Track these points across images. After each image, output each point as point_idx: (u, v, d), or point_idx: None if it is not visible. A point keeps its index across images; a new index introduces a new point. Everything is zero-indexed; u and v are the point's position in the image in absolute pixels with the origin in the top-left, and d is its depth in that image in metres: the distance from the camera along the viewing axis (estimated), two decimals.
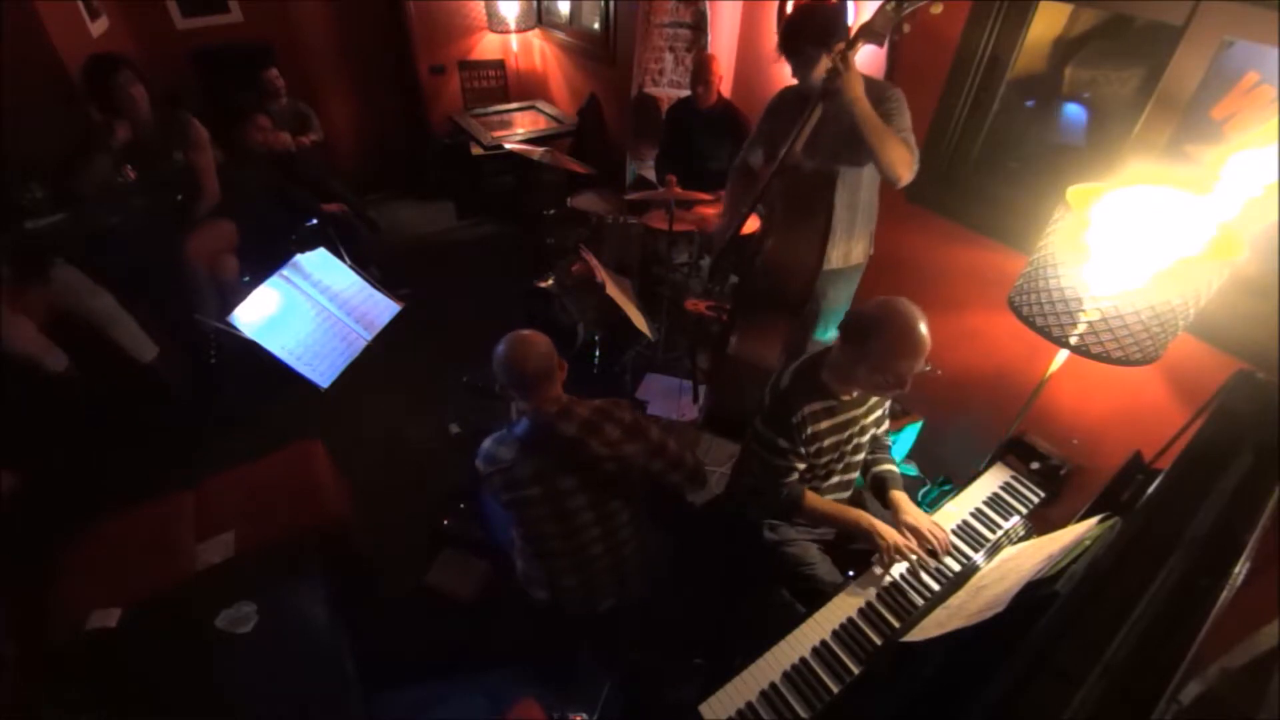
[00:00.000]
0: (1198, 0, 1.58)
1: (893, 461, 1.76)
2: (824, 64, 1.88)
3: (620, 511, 1.63)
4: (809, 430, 1.52)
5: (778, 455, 1.54)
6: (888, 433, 1.81)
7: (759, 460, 1.59)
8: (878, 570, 1.53)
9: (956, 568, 1.55)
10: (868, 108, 1.80)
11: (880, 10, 1.70)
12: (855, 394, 1.56)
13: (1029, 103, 2.27)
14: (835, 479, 1.67)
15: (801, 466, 1.57)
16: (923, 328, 1.38)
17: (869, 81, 1.97)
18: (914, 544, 1.53)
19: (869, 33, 1.73)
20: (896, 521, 1.60)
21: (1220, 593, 0.86)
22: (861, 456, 1.71)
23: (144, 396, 2.81)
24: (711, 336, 3.02)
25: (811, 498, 1.61)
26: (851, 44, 1.77)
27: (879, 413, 1.69)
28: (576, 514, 1.57)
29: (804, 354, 2.47)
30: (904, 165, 1.87)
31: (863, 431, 1.65)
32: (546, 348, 1.54)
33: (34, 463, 2.34)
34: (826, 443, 1.57)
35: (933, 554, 1.55)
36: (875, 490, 1.74)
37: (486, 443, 1.60)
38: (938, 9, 1.71)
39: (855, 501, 1.80)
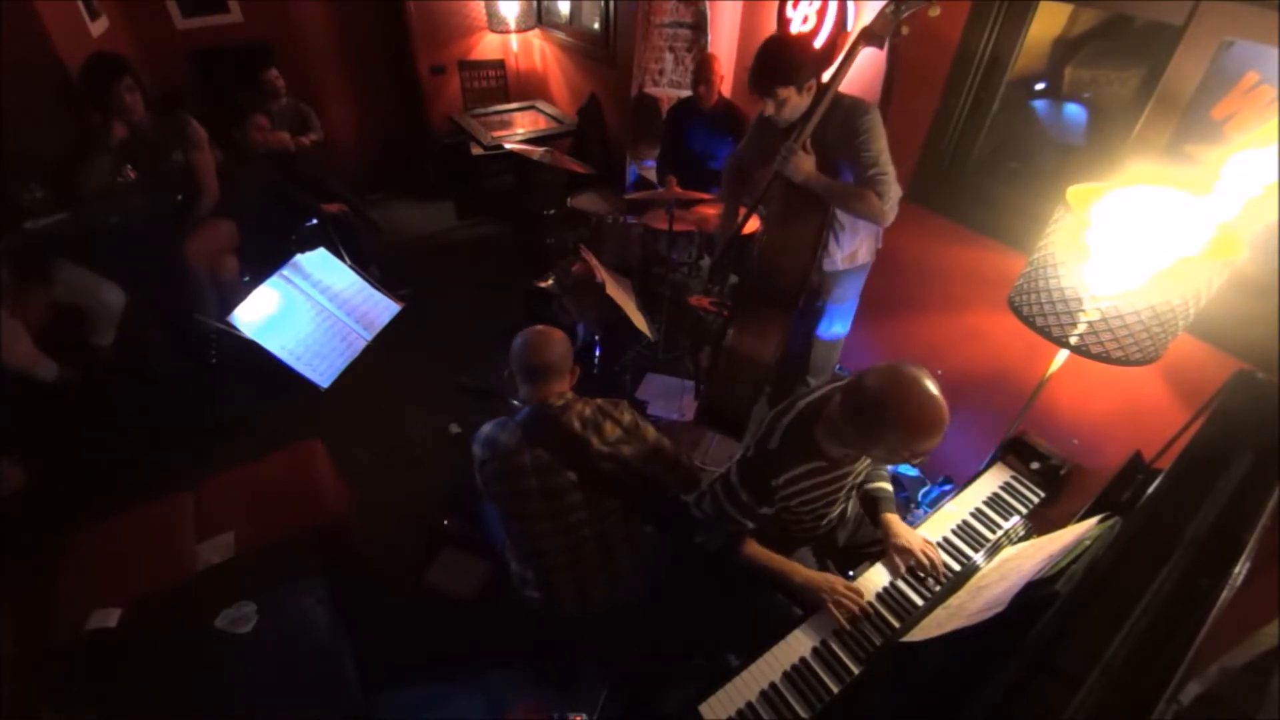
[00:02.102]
0: (1198, 0, 1.58)
1: (885, 478, 1.70)
2: (795, 100, 1.90)
3: (615, 512, 1.63)
4: (786, 491, 1.44)
5: (736, 507, 1.47)
6: None
7: (713, 499, 1.52)
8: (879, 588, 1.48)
9: (957, 567, 1.55)
10: (824, 182, 1.90)
11: (880, 13, 1.71)
12: (850, 454, 1.46)
13: (1032, 103, 2.27)
14: (829, 518, 1.62)
15: (751, 526, 1.50)
16: (939, 401, 1.21)
17: (846, 103, 1.95)
18: (858, 596, 1.43)
19: (869, 36, 1.74)
20: (888, 545, 1.54)
21: (1220, 593, 0.86)
22: (851, 494, 1.66)
23: (145, 397, 2.81)
24: (712, 335, 3.02)
25: (750, 548, 1.53)
26: (851, 49, 1.78)
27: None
28: (571, 511, 1.57)
29: (807, 351, 2.49)
30: (876, 215, 1.94)
31: (854, 478, 1.58)
32: (562, 346, 1.57)
33: (37, 463, 2.35)
34: (811, 495, 1.49)
35: (923, 575, 1.51)
36: (866, 509, 1.70)
37: (486, 427, 1.60)
38: (935, 11, 1.71)
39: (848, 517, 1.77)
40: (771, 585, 1.54)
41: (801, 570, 1.49)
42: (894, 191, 1.94)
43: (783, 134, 1.98)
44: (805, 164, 1.89)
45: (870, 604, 1.46)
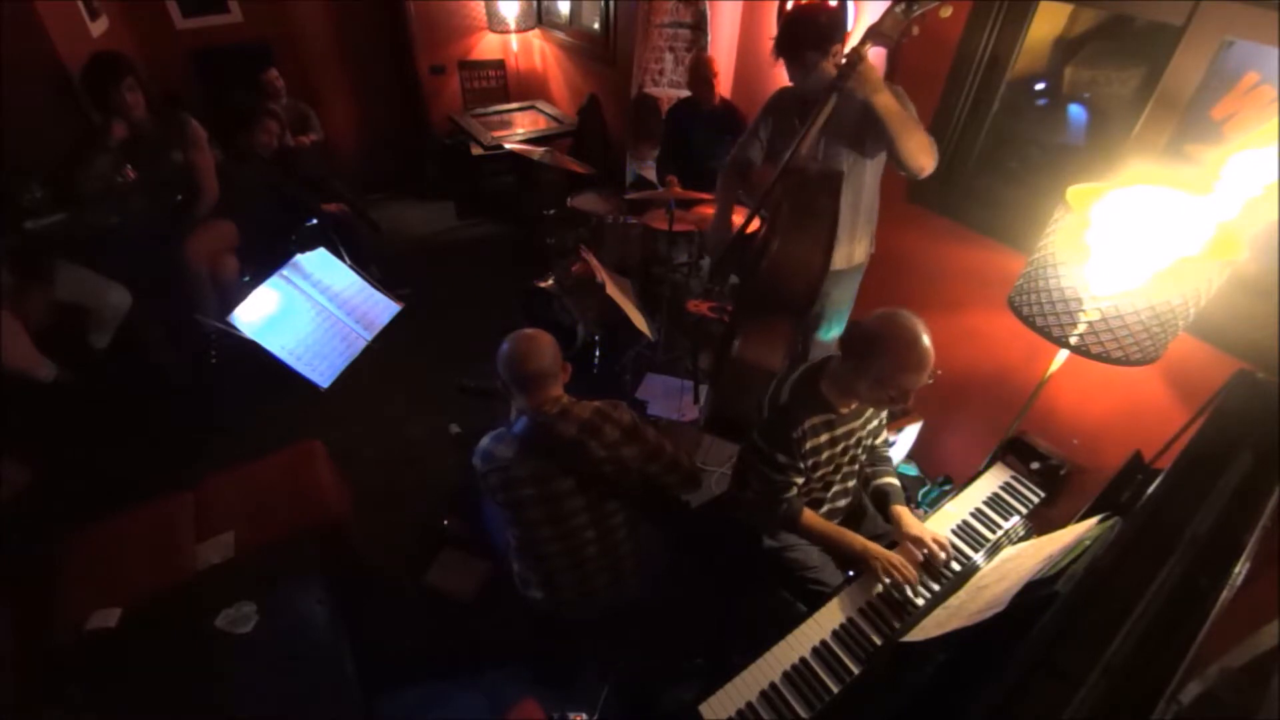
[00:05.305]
0: (1198, 0, 1.58)
1: (893, 473, 1.74)
2: (824, 67, 1.87)
3: (616, 513, 1.63)
4: (809, 444, 1.50)
5: (776, 470, 1.52)
6: (885, 442, 1.80)
7: (757, 475, 1.57)
8: (878, 586, 1.52)
9: (956, 567, 1.55)
10: (890, 99, 1.76)
11: (889, 12, 1.69)
12: (854, 406, 1.55)
13: (1032, 103, 2.27)
14: (836, 488, 1.66)
15: (800, 481, 1.55)
16: (926, 341, 1.34)
17: None
18: (911, 572, 1.49)
19: (878, 34, 1.72)
20: (899, 536, 1.58)
21: (1220, 593, 0.86)
22: (857, 467, 1.69)
23: (145, 397, 2.81)
24: (712, 337, 3.02)
25: (808, 516, 1.58)
26: (858, 47, 1.77)
27: (875, 424, 1.68)
28: (573, 515, 1.57)
29: (806, 355, 2.49)
30: (925, 153, 1.82)
31: (858, 444, 1.63)
32: (552, 349, 1.55)
33: (37, 463, 2.35)
34: (824, 455, 1.55)
35: (933, 568, 1.53)
36: (876, 504, 1.73)
37: (484, 440, 1.59)
38: (947, 12, 1.69)
39: (854, 509, 1.79)
40: (828, 550, 1.66)
41: (861, 540, 1.56)
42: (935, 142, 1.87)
43: (805, 106, 1.93)
44: (874, 72, 1.74)
45: (869, 603, 1.48)
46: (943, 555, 1.52)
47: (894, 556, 1.51)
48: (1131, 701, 0.77)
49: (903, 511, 1.62)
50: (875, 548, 1.53)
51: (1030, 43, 2.07)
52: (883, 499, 1.69)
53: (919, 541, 1.54)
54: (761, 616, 1.85)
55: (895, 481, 1.72)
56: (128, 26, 3.72)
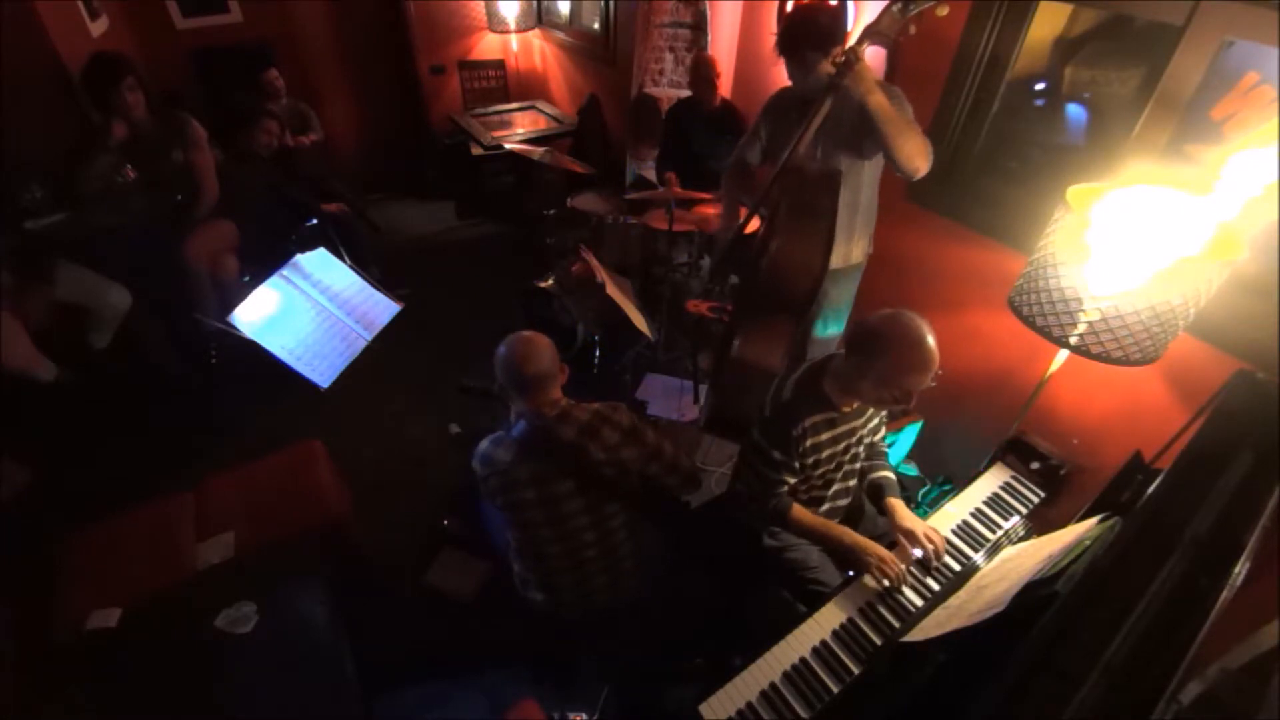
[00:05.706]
0: (1198, 0, 1.58)
1: (889, 468, 1.75)
2: (824, 67, 1.87)
3: (616, 514, 1.63)
4: (809, 442, 1.50)
5: (770, 467, 1.53)
6: (884, 438, 1.81)
7: (751, 470, 1.59)
8: (869, 584, 1.52)
9: (956, 567, 1.55)
10: (883, 99, 1.77)
11: (886, 11, 1.70)
12: (855, 405, 1.55)
13: (1032, 103, 2.27)
14: (836, 487, 1.66)
15: (792, 480, 1.56)
16: (931, 341, 1.34)
17: None
18: (900, 566, 1.50)
19: (875, 33, 1.72)
20: (892, 527, 1.59)
21: (1220, 593, 0.86)
22: (859, 465, 1.70)
23: (145, 397, 2.81)
24: (712, 337, 3.02)
25: (798, 511, 1.59)
26: (857, 44, 1.77)
27: (875, 421, 1.68)
28: (572, 517, 1.57)
29: (804, 353, 2.49)
30: (920, 156, 1.82)
31: (859, 441, 1.64)
32: (550, 350, 1.54)
33: (37, 463, 2.35)
34: (825, 454, 1.55)
35: (925, 562, 1.54)
36: (871, 496, 1.73)
37: (483, 444, 1.59)
38: (944, 11, 1.70)
39: (853, 508, 1.79)
40: (821, 546, 1.65)
41: (851, 534, 1.56)
42: (930, 144, 1.86)
43: (804, 106, 1.93)
44: (868, 72, 1.74)
45: (869, 604, 1.48)
46: (931, 548, 1.53)
47: (884, 551, 1.51)
48: (1131, 701, 0.77)
49: (896, 504, 1.63)
50: (865, 542, 1.53)
51: (1030, 43, 2.07)
52: (877, 492, 1.70)
53: (910, 534, 1.55)
54: (761, 616, 1.85)
55: (890, 475, 1.72)
56: (128, 26, 3.72)
